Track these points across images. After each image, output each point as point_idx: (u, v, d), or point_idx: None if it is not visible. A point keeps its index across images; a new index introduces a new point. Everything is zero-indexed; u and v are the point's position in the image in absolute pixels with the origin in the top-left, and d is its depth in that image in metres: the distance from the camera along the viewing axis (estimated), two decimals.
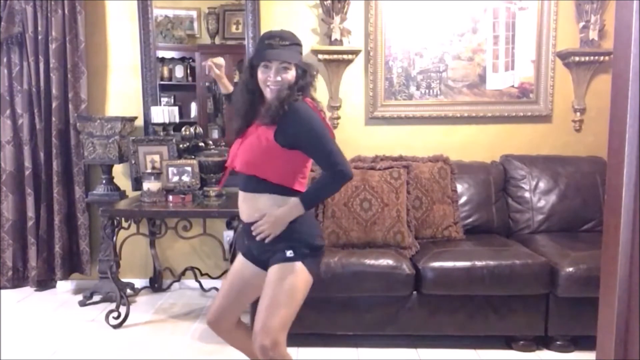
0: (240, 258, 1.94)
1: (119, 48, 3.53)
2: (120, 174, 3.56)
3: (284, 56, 1.73)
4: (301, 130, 1.73)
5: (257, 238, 1.78)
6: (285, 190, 1.77)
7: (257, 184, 1.77)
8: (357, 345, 2.71)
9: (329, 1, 3.29)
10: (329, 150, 1.76)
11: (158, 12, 3.62)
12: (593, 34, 3.31)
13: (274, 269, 1.76)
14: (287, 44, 1.74)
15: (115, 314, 2.99)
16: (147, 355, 2.66)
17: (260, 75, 1.76)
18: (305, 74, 1.77)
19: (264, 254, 1.83)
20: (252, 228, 1.79)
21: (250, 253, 1.89)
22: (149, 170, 3.20)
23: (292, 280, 1.74)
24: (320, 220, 2.87)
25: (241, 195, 1.84)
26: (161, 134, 3.42)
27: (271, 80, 1.74)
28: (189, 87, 3.89)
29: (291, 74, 1.75)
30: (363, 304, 2.64)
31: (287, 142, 1.73)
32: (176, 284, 3.63)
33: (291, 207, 1.75)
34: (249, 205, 1.81)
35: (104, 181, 3.40)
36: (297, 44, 1.79)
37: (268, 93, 1.76)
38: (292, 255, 1.75)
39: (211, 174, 3.23)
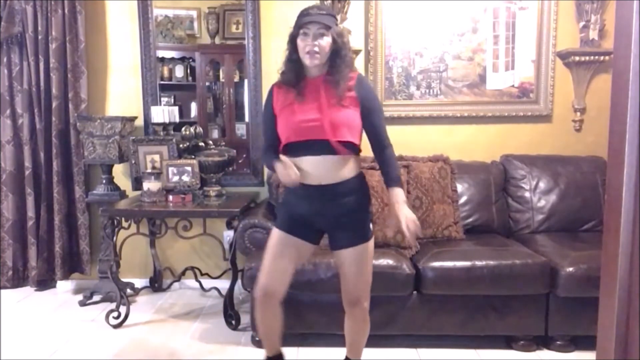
0: (285, 236, 2.00)
1: (119, 48, 3.53)
2: (120, 174, 3.56)
3: (320, 19, 1.88)
4: (373, 99, 2.01)
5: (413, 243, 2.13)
6: (357, 152, 2.00)
7: (346, 149, 1.92)
8: None
9: (329, 1, 3.29)
10: (384, 122, 2.04)
11: (158, 12, 3.62)
12: (593, 34, 3.31)
13: (365, 246, 1.99)
14: (324, 12, 1.93)
15: (115, 314, 2.99)
16: (147, 355, 2.66)
17: (300, 43, 1.90)
18: (340, 44, 1.92)
19: (330, 221, 1.98)
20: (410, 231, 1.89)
21: (312, 223, 2.00)
22: (149, 170, 3.20)
23: (371, 252, 2.04)
24: None
25: (317, 159, 1.92)
26: (161, 133, 3.42)
27: (309, 45, 1.88)
28: (189, 87, 3.89)
29: (326, 40, 1.89)
30: None
31: (364, 110, 1.95)
32: (176, 284, 3.63)
33: (401, 193, 1.97)
34: (330, 167, 1.93)
35: (104, 181, 3.40)
36: (333, 15, 1.97)
37: (307, 59, 1.90)
38: (371, 227, 2.04)
39: (211, 174, 3.23)
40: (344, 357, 2.28)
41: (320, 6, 1.97)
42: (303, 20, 1.89)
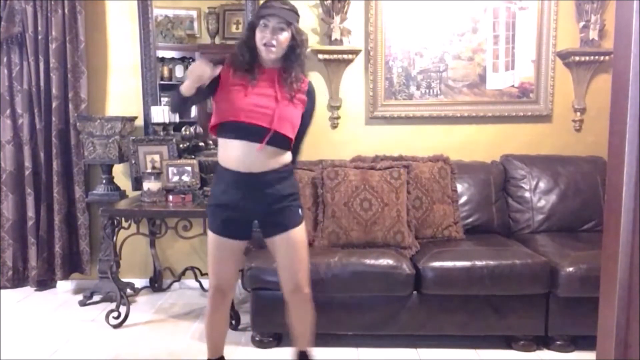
0: (220, 239, 2.07)
1: (119, 48, 3.53)
2: (120, 174, 3.56)
3: (282, 14, 1.91)
4: (312, 110, 2.13)
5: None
6: (288, 148, 2.06)
7: (283, 142, 1.99)
8: (357, 345, 2.71)
9: (329, 1, 3.29)
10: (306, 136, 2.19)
11: (158, 11, 3.62)
12: (593, 34, 3.31)
13: (297, 231, 2.06)
14: (287, 7, 1.95)
15: (115, 314, 2.99)
16: (147, 355, 2.66)
17: (258, 33, 1.93)
18: (298, 41, 1.97)
19: (266, 209, 2.02)
20: None
21: (234, 214, 2.03)
22: (149, 170, 3.20)
23: (305, 237, 2.12)
24: (320, 220, 2.87)
25: (252, 146, 1.94)
26: (161, 133, 3.42)
27: (267, 37, 1.92)
28: None
29: (285, 36, 1.93)
30: (363, 304, 2.64)
31: (305, 115, 2.06)
32: (176, 284, 3.63)
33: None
34: (264, 157, 1.97)
35: (104, 181, 3.40)
36: (296, 12, 1.99)
37: (263, 52, 1.94)
38: (301, 213, 2.10)
39: (211, 174, 3.23)
40: (296, 353, 2.28)
41: (285, 1, 1.97)
42: (264, 12, 1.92)
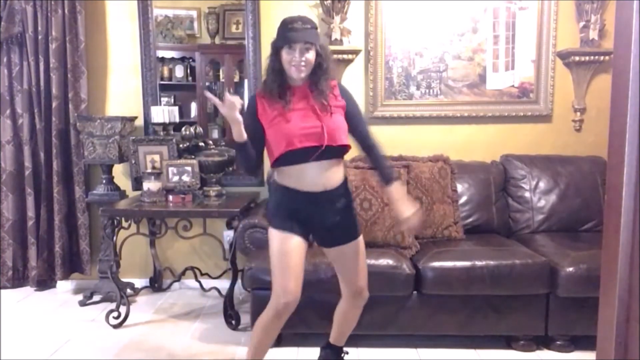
0: (296, 239, 2.00)
1: (119, 48, 3.53)
2: (120, 174, 3.56)
3: (307, 37, 1.93)
4: (356, 103, 2.11)
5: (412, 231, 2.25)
6: (345, 155, 2.08)
7: (339, 153, 2.02)
8: (357, 345, 2.71)
9: (329, 1, 3.29)
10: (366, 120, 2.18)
11: (158, 12, 3.62)
12: (593, 34, 3.31)
13: (360, 241, 2.14)
14: (309, 27, 1.95)
15: (115, 314, 2.99)
16: (147, 355, 2.66)
17: (285, 56, 1.95)
18: (324, 56, 2.00)
19: (327, 222, 2.05)
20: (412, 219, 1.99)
21: (305, 224, 2.02)
22: (149, 170, 3.20)
23: (364, 245, 2.19)
24: None
25: (318, 165, 1.97)
26: (161, 133, 3.42)
27: (297, 60, 1.94)
28: (189, 87, 3.89)
29: (312, 54, 1.95)
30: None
31: (349, 115, 2.04)
32: (176, 284, 3.63)
33: (400, 188, 2.11)
34: (329, 172, 2.00)
35: (104, 181, 3.40)
36: (316, 27, 2.00)
37: (293, 72, 1.96)
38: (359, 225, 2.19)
39: (211, 174, 3.23)
40: (326, 344, 2.35)
41: (304, 19, 1.98)
42: (289, 37, 1.92)
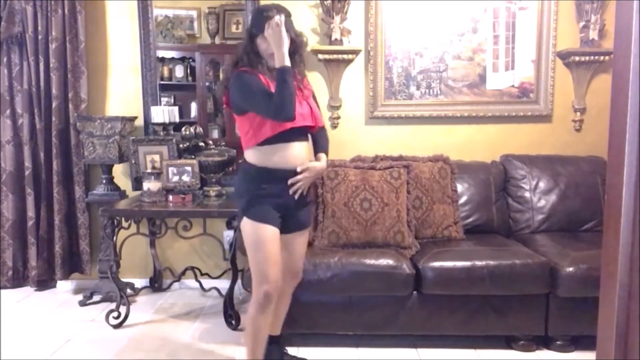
0: (272, 229, 2.06)
1: (119, 48, 3.53)
2: (120, 174, 3.56)
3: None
4: (313, 92, 2.24)
5: (293, 191, 2.09)
6: None
7: (306, 132, 2.14)
8: (357, 345, 2.71)
9: (329, 1, 3.29)
10: None
11: (158, 11, 3.62)
12: (593, 34, 3.31)
13: (309, 227, 2.31)
14: (283, 13, 2.01)
15: (115, 314, 2.99)
16: (147, 355, 2.66)
17: (261, 44, 2.03)
18: (298, 43, 2.09)
19: (297, 205, 2.15)
20: (297, 179, 2.08)
21: (279, 208, 2.09)
22: (149, 170, 3.20)
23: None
24: (321, 220, 2.87)
25: (303, 145, 2.11)
26: (161, 133, 3.42)
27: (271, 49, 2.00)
28: (189, 87, 3.88)
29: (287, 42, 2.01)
30: (363, 304, 2.64)
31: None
32: (176, 284, 3.63)
33: (324, 157, 2.23)
34: (309, 151, 2.16)
35: (104, 181, 3.40)
36: (289, 15, 2.07)
37: (270, 60, 2.03)
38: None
39: (211, 174, 3.23)
40: (273, 338, 2.37)
41: (279, 7, 2.05)
42: (264, 23, 1.97)
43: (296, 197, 2.11)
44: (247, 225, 2.06)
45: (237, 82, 2.04)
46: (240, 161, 2.37)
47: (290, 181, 2.07)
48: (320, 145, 2.25)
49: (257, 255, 2.04)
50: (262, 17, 2.00)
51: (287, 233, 2.18)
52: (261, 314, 2.06)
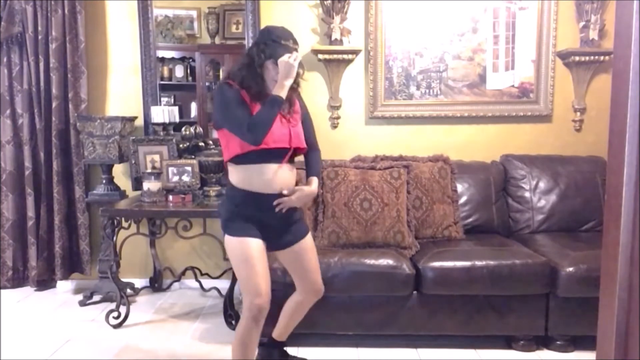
0: (256, 241, 2.03)
1: (119, 48, 3.53)
2: (120, 174, 3.56)
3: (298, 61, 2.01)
4: (308, 112, 2.25)
5: (279, 209, 2.06)
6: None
7: (289, 156, 2.08)
8: (357, 345, 2.71)
9: (329, 1, 3.29)
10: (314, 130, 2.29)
11: (158, 12, 3.62)
12: (593, 34, 3.31)
13: (309, 237, 2.23)
14: (297, 47, 2.06)
15: (115, 314, 2.99)
16: (147, 355, 2.66)
17: (271, 70, 2.02)
18: (300, 73, 2.06)
19: (282, 224, 2.12)
20: (282, 201, 2.05)
21: (260, 228, 2.05)
22: (149, 170, 3.20)
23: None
24: (321, 220, 2.87)
25: (281, 167, 2.05)
26: (161, 133, 3.42)
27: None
28: (189, 87, 3.89)
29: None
30: (363, 304, 2.64)
31: (303, 121, 2.18)
32: (176, 284, 3.63)
33: (316, 181, 2.20)
34: (288, 175, 2.08)
35: (104, 181, 3.40)
36: (298, 45, 2.10)
37: (272, 85, 2.01)
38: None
39: (211, 174, 3.23)
40: (267, 341, 2.40)
41: (294, 37, 2.07)
42: (281, 52, 1.97)
43: (278, 213, 2.07)
44: (230, 242, 2.05)
45: (218, 94, 2.05)
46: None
47: (275, 202, 2.05)
48: (312, 168, 2.23)
49: (246, 270, 2.01)
50: (280, 45, 2.00)
51: (284, 248, 2.17)
52: (255, 326, 2.04)
